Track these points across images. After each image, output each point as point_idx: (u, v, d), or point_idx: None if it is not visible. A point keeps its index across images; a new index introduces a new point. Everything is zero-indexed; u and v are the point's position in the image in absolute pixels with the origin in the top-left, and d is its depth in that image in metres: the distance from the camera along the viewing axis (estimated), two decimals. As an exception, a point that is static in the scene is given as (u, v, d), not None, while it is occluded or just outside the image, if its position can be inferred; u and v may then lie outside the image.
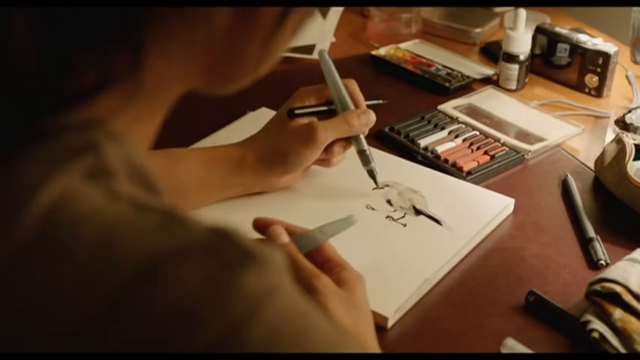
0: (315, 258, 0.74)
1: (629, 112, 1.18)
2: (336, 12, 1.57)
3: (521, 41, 1.29)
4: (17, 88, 0.41)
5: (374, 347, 0.67)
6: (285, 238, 0.74)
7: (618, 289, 0.80)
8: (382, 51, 1.42)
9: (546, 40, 1.35)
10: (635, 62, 1.36)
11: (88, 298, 0.38)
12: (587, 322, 0.80)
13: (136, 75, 0.43)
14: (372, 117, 0.98)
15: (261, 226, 0.78)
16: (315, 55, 1.41)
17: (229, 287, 0.38)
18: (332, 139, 0.95)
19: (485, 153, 1.13)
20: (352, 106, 0.97)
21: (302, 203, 0.99)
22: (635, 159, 1.04)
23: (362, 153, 0.98)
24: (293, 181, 1.00)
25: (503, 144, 1.15)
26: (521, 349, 0.78)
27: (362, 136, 0.98)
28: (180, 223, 0.41)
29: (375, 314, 0.81)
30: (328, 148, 0.96)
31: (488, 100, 1.28)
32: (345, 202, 0.99)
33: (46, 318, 0.39)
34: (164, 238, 0.40)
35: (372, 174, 0.99)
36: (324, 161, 1.00)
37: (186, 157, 0.95)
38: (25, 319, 0.39)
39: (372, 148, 1.11)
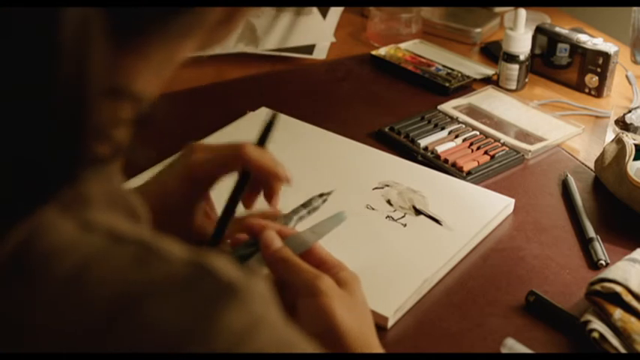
0: (308, 260, 0.71)
1: (629, 112, 1.18)
2: (336, 12, 1.57)
3: (521, 41, 1.29)
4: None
5: (377, 347, 0.67)
6: (278, 242, 0.70)
7: (618, 289, 0.80)
8: (382, 51, 1.42)
9: (546, 40, 1.35)
10: (635, 62, 1.36)
11: (62, 335, 0.38)
12: (587, 322, 0.80)
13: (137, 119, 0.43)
14: None
15: (251, 229, 0.72)
16: (315, 55, 1.41)
17: (211, 325, 0.38)
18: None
19: (486, 153, 1.13)
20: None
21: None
22: (635, 159, 1.04)
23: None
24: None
25: (504, 144, 1.15)
26: (521, 349, 0.78)
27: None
28: (157, 255, 0.40)
29: (375, 314, 0.81)
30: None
31: (488, 100, 1.28)
32: (345, 202, 0.99)
33: (20, 354, 0.38)
34: (140, 272, 0.39)
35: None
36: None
37: None
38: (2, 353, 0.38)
39: (371, 148, 1.11)
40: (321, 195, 0.90)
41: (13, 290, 0.38)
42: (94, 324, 0.37)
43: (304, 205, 0.89)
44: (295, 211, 0.90)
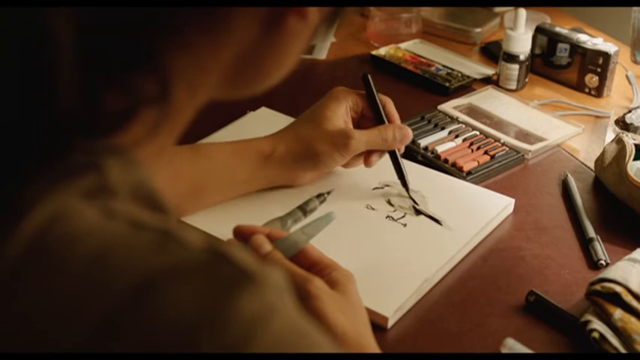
0: (300, 261, 0.71)
1: (629, 112, 1.18)
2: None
3: (521, 41, 1.29)
4: (49, 112, 0.40)
5: (373, 347, 0.67)
6: (267, 246, 0.71)
7: (618, 289, 0.80)
8: (382, 51, 1.42)
9: (546, 40, 1.35)
10: (635, 62, 1.36)
11: (81, 319, 0.38)
12: (587, 322, 0.80)
13: (164, 102, 0.44)
14: (408, 133, 0.98)
15: (242, 234, 0.74)
16: (315, 55, 1.41)
17: (226, 310, 0.38)
18: (363, 149, 0.96)
19: (486, 153, 1.13)
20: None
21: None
22: (635, 159, 1.04)
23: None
24: (316, 178, 1.01)
25: (504, 144, 1.15)
26: (521, 349, 0.78)
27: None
28: (177, 242, 0.40)
29: (375, 314, 0.81)
30: (366, 158, 0.98)
31: (488, 100, 1.28)
32: (345, 202, 0.99)
33: (38, 338, 0.38)
34: (159, 256, 0.39)
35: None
36: (345, 164, 1.00)
37: (214, 151, 0.94)
38: (19, 339, 0.39)
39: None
40: (318, 195, 0.92)
41: (31, 275, 0.39)
42: (113, 306, 0.38)
43: (300, 208, 0.92)
44: (291, 214, 0.91)
